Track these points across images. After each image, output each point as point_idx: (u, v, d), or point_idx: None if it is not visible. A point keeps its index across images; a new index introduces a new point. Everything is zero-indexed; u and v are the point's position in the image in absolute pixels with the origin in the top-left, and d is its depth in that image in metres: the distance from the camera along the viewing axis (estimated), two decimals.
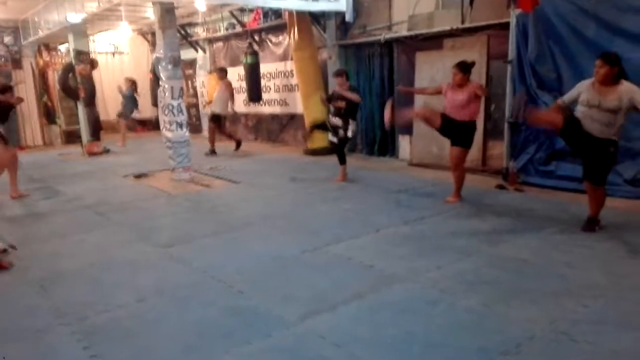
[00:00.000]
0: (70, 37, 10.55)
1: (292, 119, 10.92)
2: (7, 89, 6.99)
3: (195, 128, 13.00)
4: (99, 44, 13.24)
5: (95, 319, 3.30)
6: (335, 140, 7.03)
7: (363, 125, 9.15)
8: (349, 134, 6.96)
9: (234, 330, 3.08)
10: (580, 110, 4.49)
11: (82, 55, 10.70)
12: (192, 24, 12.74)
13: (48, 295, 3.73)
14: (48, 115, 13.11)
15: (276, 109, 11.24)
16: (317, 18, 9.42)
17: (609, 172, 4.60)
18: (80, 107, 11.10)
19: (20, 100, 7.73)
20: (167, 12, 7.41)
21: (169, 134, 7.64)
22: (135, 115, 12.38)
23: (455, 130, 5.70)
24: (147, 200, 6.62)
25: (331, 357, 2.76)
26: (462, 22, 7.32)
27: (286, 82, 10.74)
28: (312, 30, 9.40)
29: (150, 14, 9.23)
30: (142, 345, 2.97)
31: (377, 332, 2.99)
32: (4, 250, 4.60)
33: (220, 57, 12.66)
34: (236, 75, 11.58)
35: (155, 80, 9.28)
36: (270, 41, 11.08)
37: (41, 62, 12.88)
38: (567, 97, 4.70)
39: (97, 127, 11.22)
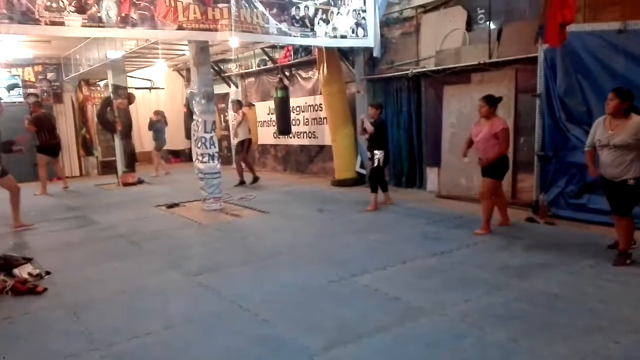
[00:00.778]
0: (109, 73, 11.05)
1: (321, 151, 11.06)
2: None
3: (226, 160, 13.25)
4: (136, 80, 13.75)
5: (125, 345, 3.37)
6: (364, 170, 7.33)
7: (390, 157, 9.20)
8: (375, 163, 7.31)
9: (259, 359, 3.10)
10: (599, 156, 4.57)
11: (120, 90, 11.15)
12: (225, 60, 13.17)
13: (80, 320, 3.84)
14: (86, 147, 13.61)
15: (305, 141, 11.43)
16: (346, 54, 9.65)
17: (634, 202, 4.54)
18: (116, 139, 11.50)
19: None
20: (201, 50, 7.70)
21: (201, 166, 7.83)
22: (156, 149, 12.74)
23: (485, 167, 5.75)
24: (178, 230, 6.76)
25: None
26: (490, 56, 7.38)
27: (315, 115, 10.94)
28: (340, 65, 9.60)
29: (185, 51, 9.58)
30: None
31: None
32: (39, 276, 4.77)
33: (252, 91, 13.00)
34: (267, 109, 11.85)
35: (189, 114, 9.58)
36: (300, 76, 11.36)
37: (81, 97, 13.47)
38: (589, 141, 4.76)
39: (132, 159, 11.59)
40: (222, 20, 7.01)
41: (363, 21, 8.62)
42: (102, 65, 10.47)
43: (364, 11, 8.61)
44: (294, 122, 11.14)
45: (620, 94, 4.40)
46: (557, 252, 4.99)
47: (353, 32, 8.53)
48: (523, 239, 5.56)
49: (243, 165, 10.39)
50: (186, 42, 8.39)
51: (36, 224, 7.24)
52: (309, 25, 7.96)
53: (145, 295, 4.32)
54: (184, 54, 10.30)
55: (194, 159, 8.09)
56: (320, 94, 10.18)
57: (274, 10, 7.52)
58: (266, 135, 12.07)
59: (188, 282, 4.63)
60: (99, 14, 6.19)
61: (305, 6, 7.86)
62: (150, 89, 14.38)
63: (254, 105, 11.30)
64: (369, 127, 7.26)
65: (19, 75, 12.68)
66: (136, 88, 13.54)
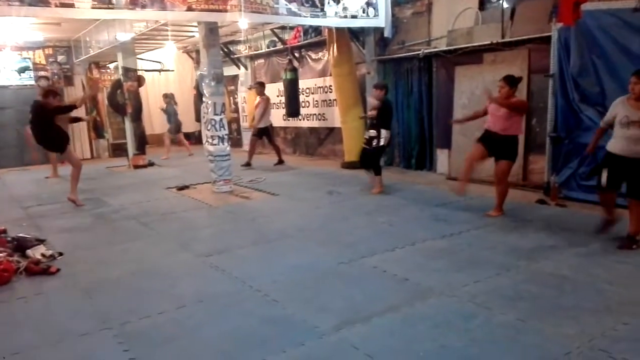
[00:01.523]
0: (119, 56, 11.03)
1: (330, 133, 11.02)
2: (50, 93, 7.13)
3: (235, 142, 13.27)
4: (146, 62, 13.74)
5: (137, 324, 3.43)
6: (368, 150, 7.16)
7: (400, 139, 9.17)
8: (382, 142, 7.11)
9: (269, 339, 3.14)
10: (619, 135, 4.47)
11: (130, 73, 11.15)
12: (234, 42, 13.10)
13: (92, 300, 3.90)
14: (97, 129, 13.67)
15: (314, 123, 11.39)
16: (356, 34, 9.55)
17: None
18: (127, 122, 11.55)
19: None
20: (211, 31, 7.66)
21: (211, 148, 7.85)
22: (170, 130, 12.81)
23: (500, 146, 5.66)
24: (188, 212, 6.80)
25: None
26: (503, 36, 7.27)
27: (325, 97, 10.88)
28: (351, 46, 9.51)
29: (195, 32, 9.54)
30: (180, 350, 3.07)
31: (410, 345, 2.99)
32: (52, 257, 4.84)
33: (261, 73, 12.95)
34: (276, 90, 11.81)
35: (199, 96, 9.58)
36: (310, 57, 11.28)
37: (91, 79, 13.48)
38: (606, 118, 4.69)
39: (142, 141, 11.63)
40: (232, 0, 6.95)
41: (374, 0, 8.50)
42: (112, 48, 10.45)
43: None
44: (303, 104, 11.10)
45: None
46: (567, 234, 4.97)
47: (364, 12, 8.43)
48: (533, 220, 5.54)
49: (272, 147, 10.74)
50: (195, 24, 8.35)
51: (49, 206, 7.32)
52: (319, 5, 7.87)
53: (157, 276, 4.37)
54: (193, 36, 10.25)
55: (203, 142, 8.11)
56: (330, 75, 10.12)
57: None
58: (275, 117, 12.02)
59: (199, 263, 4.67)
60: None
61: None
62: (160, 71, 14.37)
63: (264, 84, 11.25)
64: (374, 102, 7.07)
65: (29, 58, 12.72)
66: (146, 70, 13.53)
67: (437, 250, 4.68)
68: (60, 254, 4.97)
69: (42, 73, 12.73)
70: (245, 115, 13.19)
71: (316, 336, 3.14)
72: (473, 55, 7.71)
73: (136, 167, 11.17)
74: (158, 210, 6.92)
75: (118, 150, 13.39)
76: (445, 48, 8.11)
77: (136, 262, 4.78)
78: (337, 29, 8.98)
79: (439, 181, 8.05)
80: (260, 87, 10.67)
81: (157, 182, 9.23)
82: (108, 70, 13.71)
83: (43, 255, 4.83)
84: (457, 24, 8.03)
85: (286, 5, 7.48)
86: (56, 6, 5.92)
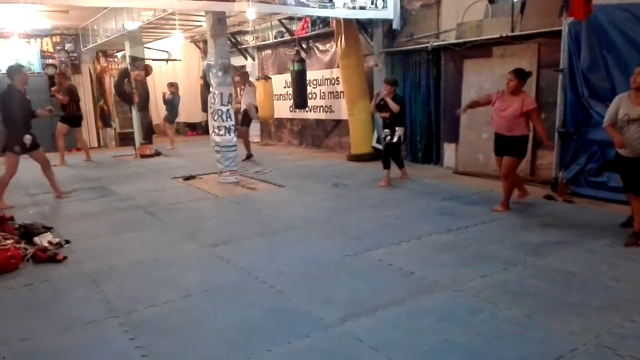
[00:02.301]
0: (127, 44, 11.02)
1: (337, 125, 10.99)
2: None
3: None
4: (153, 52, 13.72)
5: (143, 313, 3.45)
6: (380, 145, 7.24)
7: (408, 132, 9.12)
8: (395, 139, 7.24)
9: (274, 330, 3.15)
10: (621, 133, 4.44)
11: (137, 62, 11.14)
12: (242, 32, 13.05)
13: (99, 288, 3.92)
14: (104, 118, 13.70)
15: (321, 115, 11.36)
16: (365, 26, 9.49)
17: None
18: (134, 111, 11.56)
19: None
20: (218, 21, 7.62)
21: (217, 139, 7.84)
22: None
23: (508, 145, 5.63)
24: (194, 202, 6.82)
25: (368, 359, 2.78)
26: (512, 30, 7.21)
27: (332, 89, 10.84)
28: (358, 38, 9.46)
29: (202, 22, 9.52)
30: (185, 339, 3.08)
31: (415, 338, 2.99)
32: (59, 244, 4.87)
33: (268, 64, 12.91)
34: (283, 82, 11.77)
35: (206, 86, 9.55)
36: (318, 49, 11.22)
37: (98, 68, 13.49)
38: (608, 116, 4.58)
39: (149, 131, 11.64)
40: None
41: None
42: (120, 36, 10.45)
43: None
44: (310, 96, 11.06)
45: None
46: (575, 230, 4.94)
47: (372, 3, 8.38)
48: (540, 216, 5.52)
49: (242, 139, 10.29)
50: (203, 13, 8.32)
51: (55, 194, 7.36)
52: None
53: (163, 265, 4.39)
54: (200, 25, 10.22)
55: (210, 132, 8.11)
56: (338, 67, 10.06)
57: None
58: (282, 108, 12.01)
59: (205, 253, 4.69)
60: None
61: None
62: (167, 60, 14.35)
63: (270, 78, 11.22)
64: (395, 107, 7.08)
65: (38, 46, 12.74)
66: (153, 59, 13.51)
67: (443, 244, 4.67)
68: (67, 241, 5.00)
69: (50, 61, 12.75)
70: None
71: (321, 328, 3.14)
72: (482, 49, 7.65)
73: (143, 156, 11.18)
74: (164, 199, 6.93)
75: (125, 139, 13.42)
76: (454, 41, 8.04)
77: (142, 251, 4.80)
78: (345, 20, 8.93)
79: (446, 175, 8.03)
80: (244, 76, 10.56)
81: (164, 171, 9.25)
82: (115, 59, 13.70)
83: (50, 242, 4.86)
84: (467, 17, 7.97)
85: None
86: None
